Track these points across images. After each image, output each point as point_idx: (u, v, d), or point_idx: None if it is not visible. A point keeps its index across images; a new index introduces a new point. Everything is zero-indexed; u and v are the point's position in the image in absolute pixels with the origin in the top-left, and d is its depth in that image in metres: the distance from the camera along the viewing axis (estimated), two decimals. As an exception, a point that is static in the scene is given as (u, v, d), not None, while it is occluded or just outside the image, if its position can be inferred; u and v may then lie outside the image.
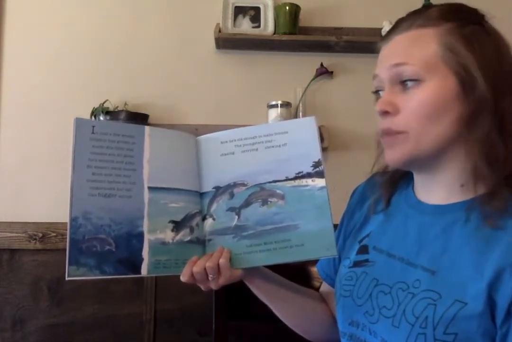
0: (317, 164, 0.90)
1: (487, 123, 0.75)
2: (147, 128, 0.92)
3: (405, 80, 0.78)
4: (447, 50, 0.76)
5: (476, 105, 0.75)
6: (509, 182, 0.75)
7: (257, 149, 0.92)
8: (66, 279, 0.79)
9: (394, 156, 0.81)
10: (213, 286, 0.88)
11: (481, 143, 0.75)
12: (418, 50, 0.77)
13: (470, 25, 0.78)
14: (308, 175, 0.90)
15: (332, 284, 1.02)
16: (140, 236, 0.85)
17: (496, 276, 0.70)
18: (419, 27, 0.79)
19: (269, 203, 0.90)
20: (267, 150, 0.92)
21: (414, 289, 0.77)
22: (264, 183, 0.91)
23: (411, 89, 0.78)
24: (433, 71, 0.76)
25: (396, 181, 0.94)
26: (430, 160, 0.81)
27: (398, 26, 0.82)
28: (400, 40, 0.80)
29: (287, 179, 0.90)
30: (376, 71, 0.83)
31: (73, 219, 0.81)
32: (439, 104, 0.76)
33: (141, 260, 0.85)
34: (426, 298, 0.75)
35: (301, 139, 0.91)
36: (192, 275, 0.86)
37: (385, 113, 0.80)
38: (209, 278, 0.87)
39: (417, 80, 0.77)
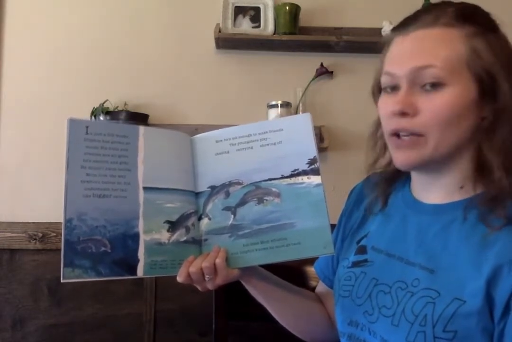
0: (312, 161, 0.89)
1: (506, 131, 0.75)
2: (141, 128, 0.91)
3: (427, 83, 0.76)
4: (473, 54, 0.74)
5: (497, 113, 0.75)
6: None
7: (252, 147, 0.91)
8: (62, 281, 0.78)
9: (407, 158, 0.80)
10: (210, 286, 0.88)
11: (497, 151, 0.75)
12: (444, 52, 0.75)
13: (490, 32, 0.77)
14: (304, 172, 0.89)
15: (330, 285, 1.02)
16: (136, 236, 0.84)
17: (494, 273, 0.71)
18: (445, 26, 0.76)
19: (265, 201, 0.89)
20: (262, 149, 0.91)
21: (413, 288, 0.78)
22: (260, 181, 0.90)
23: (432, 92, 0.76)
24: (456, 75, 0.75)
25: (393, 180, 0.93)
26: (438, 163, 0.80)
27: (420, 18, 0.79)
28: (424, 37, 0.77)
29: (283, 177, 0.89)
30: (391, 68, 0.80)
31: (67, 220, 0.80)
32: (459, 110, 0.75)
33: (137, 261, 0.84)
34: (425, 297, 0.76)
35: (296, 136, 0.90)
36: (188, 275, 0.85)
37: (403, 114, 0.78)
38: (206, 278, 0.86)
39: (439, 84, 0.75)
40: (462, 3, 0.81)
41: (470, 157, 0.78)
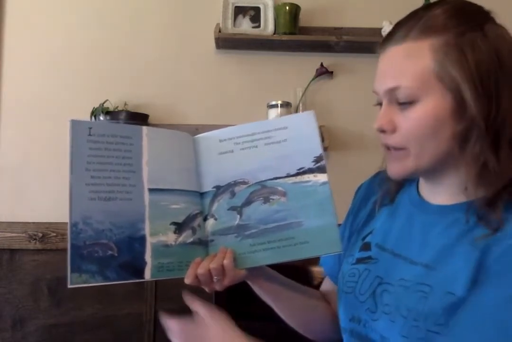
0: (318, 159, 0.88)
1: (479, 142, 0.75)
2: (144, 128, 0.89)
3: (401, 101, 0.78)
4: (441, 68, 0.75)
5: (468, 124, 0.75)
6: (510, 190, 0.75)
7: (256, 146, 0.90)
8: (69, 286, 0.76)
9: (395, 170, 0.82)
10: (218, 287, 0.87)
11: (474, 159, 0.76)
12: (412, 68, 0.76)
13: (470, 33, 0.75)
14: (310, 171, 0.88)
15: (336, 282, 1.02)
16: (142, 239, 0.83)
17: (481, 259, 0.72)
18: (415, 38, 0.77)
19: (271, 200, 0.88)
20: (267, 147, 0.90)
21: (409, 284, 0.79)
22: (265, 180, 0.89)
23: (407, 108, 0.77)
24: (428, 90, 0.75)
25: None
26: (431, 171, 0.81)
27: (394, 33, 0.80)
28: (394, 54, 0.79)
29: (289, 175, 0.89)
30: (374, 87, 0.83)
31: (73, 225, 0.78)
32: (435, 123, 0.76)
33: (144, 264, 0.82)
34: (418, 291, 0.76)
35: (301, 134, 0.89)
36: (196, 277, 0.85)
37: (382, 131, 0.81)
38: (214, 280, 0.86)
39: (412, 101, 0.77)
40: (450, 2, 0.80)
41: (463, 163, 0.78)
